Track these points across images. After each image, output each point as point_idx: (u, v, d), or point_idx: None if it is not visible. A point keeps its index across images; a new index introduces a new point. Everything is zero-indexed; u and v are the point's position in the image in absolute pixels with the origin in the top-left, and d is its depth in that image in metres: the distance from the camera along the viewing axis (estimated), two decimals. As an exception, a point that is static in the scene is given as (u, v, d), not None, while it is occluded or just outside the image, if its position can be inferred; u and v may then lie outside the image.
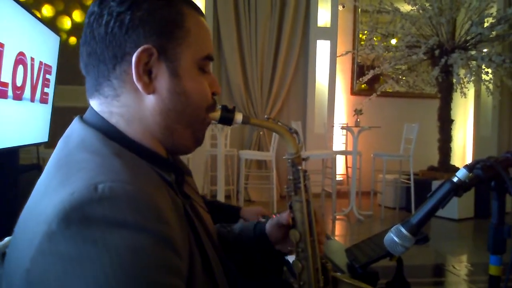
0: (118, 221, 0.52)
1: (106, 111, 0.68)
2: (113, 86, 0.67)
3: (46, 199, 0.56)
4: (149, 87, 0.67)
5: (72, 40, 5.49)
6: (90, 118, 0.68)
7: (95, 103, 0.69)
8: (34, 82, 2.99)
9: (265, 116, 0.82)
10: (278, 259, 0.95)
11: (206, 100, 0.73)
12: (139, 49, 0.65)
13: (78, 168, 0.59)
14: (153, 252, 0.53)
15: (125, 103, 0.67)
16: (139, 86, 0.66)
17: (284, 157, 0.83)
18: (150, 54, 0.66)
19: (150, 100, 0.67)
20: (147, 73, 0.66)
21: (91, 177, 0.55)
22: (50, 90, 3.46)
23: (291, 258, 1.15)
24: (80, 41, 0.69)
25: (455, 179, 0.81)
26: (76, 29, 5.55)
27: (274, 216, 1.60)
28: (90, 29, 0.67)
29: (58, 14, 5.48)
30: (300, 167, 0.82)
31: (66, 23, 5.43)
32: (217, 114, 0.76)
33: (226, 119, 0.77)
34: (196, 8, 0.72)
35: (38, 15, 5.00)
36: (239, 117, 0.78)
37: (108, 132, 0.66)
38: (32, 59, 2.87)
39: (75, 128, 0.68)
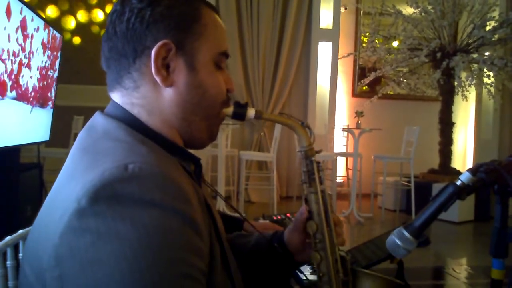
0: (146, 200, 0.54)
1: (128, 103, 0.70)
2: (133, 79, 0.69)
3: (74, 181, 0.58)
4: (167, 80, 0.69)
5: (75, 40, 5.49)
6: (112, 111, 0.70)
7: (116, 96, 0.72)
8: (33, 84, 2.98)
9: (278, 112, 0.83)
10: (290, 271, 0.95)
11: (221, 95, 0.75)
12: (158, 44, 0.67)
13: (105, 153, 0.61)
14: (179, 231, 0.55)
15: (144, 94, 0.70)
16: (158, 79, 0.68)
17: (297, 150, 0.85)
18: (168, 49, 0.68)
19: (168, 92, 0.70)
20: (165, 67, 0.69)
21: (121, 159, 0.58)
22: (51, 93, 3.45)
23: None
24: (102, 38, 0.72)
25: (458, 182, 0.80)
26: (79, 28, 5.56)
27: (275, 218, 1.59)
28: (112, 25, 0.69)
29: (62, 14, 5.48)
30: (313, 158, 0.83)
31: (70, 22, 5.43)
32: (230, 109, 0.78)
33: (239, 114, 0.78)
34: (211, 6, 0.75)
35: (43, 15, 5.02)
36: (251, 112, 0.79)
37: (130, 122, 0.68)
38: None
39: (98, 120, 0.69)
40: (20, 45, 2.65)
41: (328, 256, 0.81)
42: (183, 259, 0.55)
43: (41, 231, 0.60)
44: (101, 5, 5.60)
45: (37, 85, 3.05)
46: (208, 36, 0.72)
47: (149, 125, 0.69)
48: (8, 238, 0.94)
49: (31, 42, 2.85)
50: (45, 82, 3.23)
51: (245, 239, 0.96)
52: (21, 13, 2.61)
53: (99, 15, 5.53)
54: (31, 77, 2.91)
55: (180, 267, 0.54)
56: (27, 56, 2.79)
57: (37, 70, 3.04)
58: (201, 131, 0.74)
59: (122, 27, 0.68)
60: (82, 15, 5.47)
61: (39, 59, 3.07)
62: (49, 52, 3.28)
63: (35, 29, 2.91)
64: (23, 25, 2.69)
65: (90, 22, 5.55)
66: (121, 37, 0.68)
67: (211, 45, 0.72)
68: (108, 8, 5.54)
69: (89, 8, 5.55)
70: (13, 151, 2.83)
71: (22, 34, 2.69)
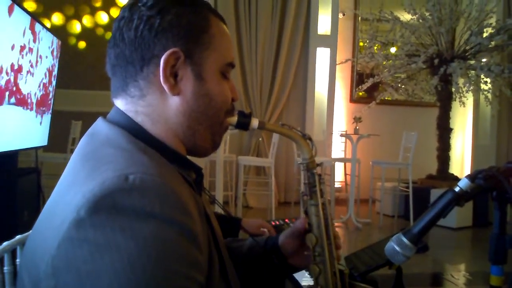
0: (146, 212, 0.53)
1: (132, 110, 0.70)
2: (140, 87, 0.69)
3: (73, 189, 0.57)
4: (175, 89, 0.69)
5: (72, 43, 5.50)
6: (115, 117, 0.70)
7: (120, 103, 0.71)
8: (37, 89, 2.98)
9: (280, 122, 0.83)
10: (284, 276, 0.94)
11: (226, 103, 0.75)
12: (168, 52, 0.67)
13: (106, 161, 0.60)
14: (179, 243, 0.55)
15: (150, 103, 0.69)
16: (165, 87, 0.68)
17: (298, 162, 0.85)
18: (177, 57, 0.68)
19: (174, 101, 0.69)
20: (173, 75, 0.68)
21: (121, 168, 0.57)
22: (50, 98, 3.45)
23: (299, 276, 1.14)
24: (108, 44, 0.71)
25: (457, 189, 0.81)
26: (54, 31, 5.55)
27: (273, 223, 1.59)
28: (119, 32, 0.69)
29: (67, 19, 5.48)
30: (315, 171, 0.83)
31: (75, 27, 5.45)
32: (234, 119, 0.78)
33: (243, 124, 0.79)
34: (219, 16, 0.75)
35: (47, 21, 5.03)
36: (255, 122, 0.79)
37: (133, 130, 0.68)
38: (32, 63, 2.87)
39: (100, 126, 0.69)
40: (27, 47, 2.66)
41: (327, 270, 0.81)
42: (181, 271, 0.54)
43: (39, 238, 0.59)
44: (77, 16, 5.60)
45: (42, 92, 3.05)
46: (216, 46, 0.72)
47: (152, 133, 0.69)
48: (5, 243, 0.94)
49: (38, 48, 2.86)
50: (50, 88, 3.23)
51: (239, 243, 0.97)
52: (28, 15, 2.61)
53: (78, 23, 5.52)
54: (38, 82, 2.92)
55: (178, 279, 0.54)
56: (32, 61, 2.80)
57: (44, 75, 3.05)
58: (205, 140, 0.74)
59: (130, 34, 0.67)
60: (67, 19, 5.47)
61: (45, 65, 3.07)
62: (54, 57, 3.29)
63: (41, 30, 2.92)
64: (32, 29, 2.69)
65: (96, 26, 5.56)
66: (129, 44, 0.68)
67: (219, 56, 0.72)
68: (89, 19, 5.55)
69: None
70: (11, 155, 2.83)
71: (32, 33, 2.69)
